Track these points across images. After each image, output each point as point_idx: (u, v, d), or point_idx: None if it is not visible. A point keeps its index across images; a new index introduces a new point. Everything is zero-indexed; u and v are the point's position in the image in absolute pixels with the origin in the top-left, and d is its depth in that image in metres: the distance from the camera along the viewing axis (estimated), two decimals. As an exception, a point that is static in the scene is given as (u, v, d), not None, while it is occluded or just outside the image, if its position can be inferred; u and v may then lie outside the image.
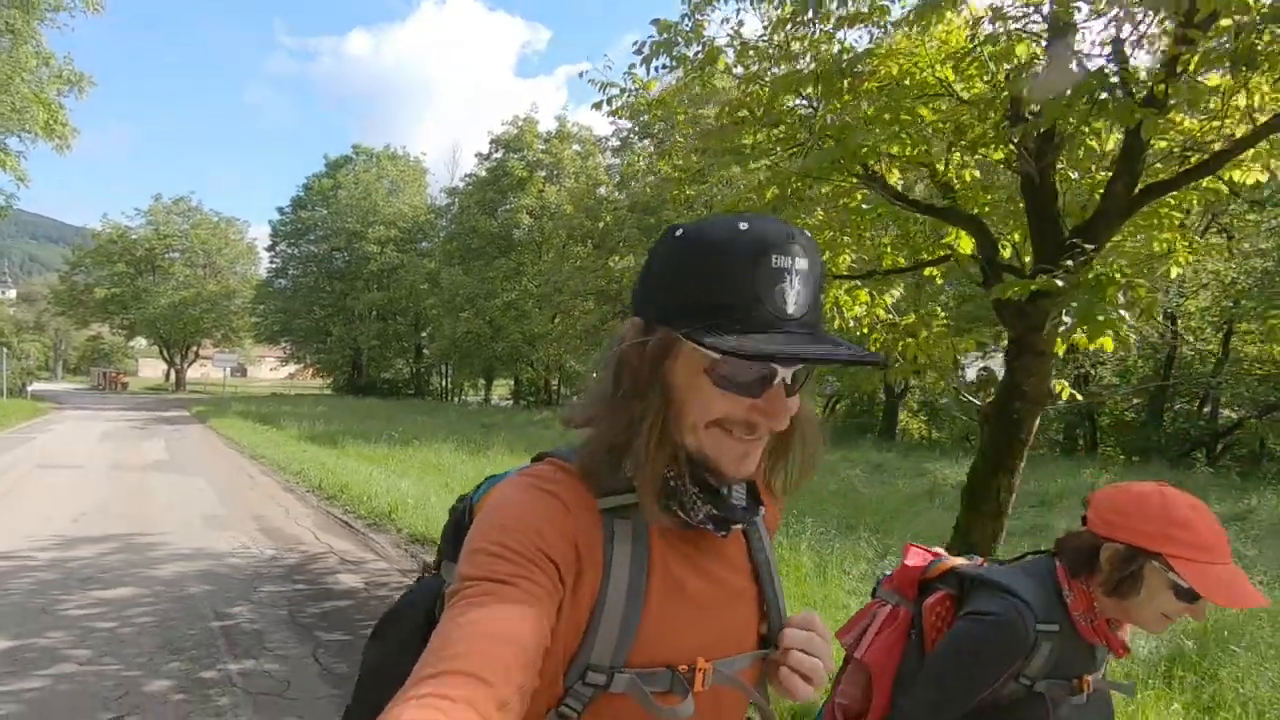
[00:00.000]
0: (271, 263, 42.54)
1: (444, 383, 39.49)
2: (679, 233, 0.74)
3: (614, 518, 0.75)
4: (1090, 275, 2.89)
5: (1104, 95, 3.15)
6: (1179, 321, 17.49)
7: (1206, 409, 18.12)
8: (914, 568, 1.43)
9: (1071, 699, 1.28)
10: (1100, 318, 2.80)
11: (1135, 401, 19.09)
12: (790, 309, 0.70)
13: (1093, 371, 18.22)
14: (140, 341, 54.60)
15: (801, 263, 0.71)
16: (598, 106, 5.26)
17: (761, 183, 4.10)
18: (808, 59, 4.21)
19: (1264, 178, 3.91)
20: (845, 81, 3.85)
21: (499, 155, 32.99)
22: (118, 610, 4.66)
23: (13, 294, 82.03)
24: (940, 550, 1.47)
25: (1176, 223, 4.31)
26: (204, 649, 4.04)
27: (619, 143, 28.67)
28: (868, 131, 3.57)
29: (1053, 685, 1.26)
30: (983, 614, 1.25)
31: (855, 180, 4.10)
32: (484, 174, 33.23)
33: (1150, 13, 3.09)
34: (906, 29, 3.54)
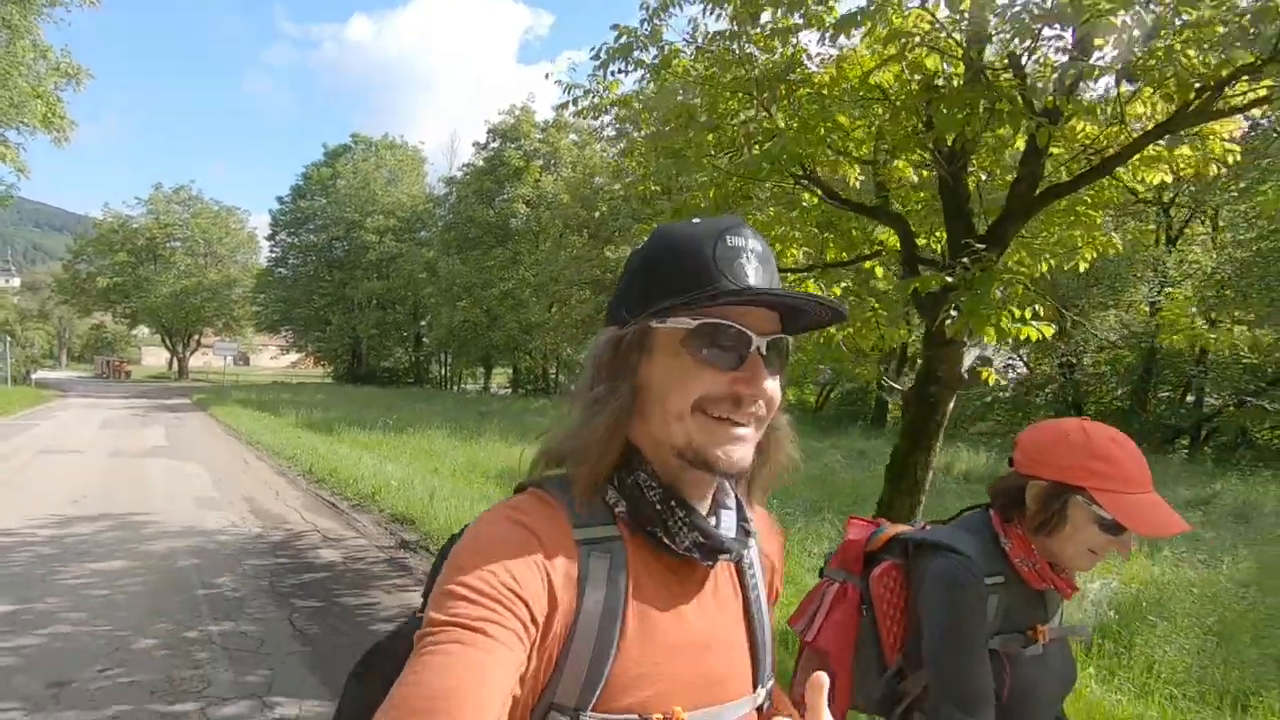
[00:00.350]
0: (272, 252, 42.93)
1: (443, 371, 39.85)
2: (640, 246, 0.80)
3: (592, 550, 0.73)
4: (977, 272, 3.18)
5: (1002, 105, 3.44)
6: (1161, 311, 17.79)
7: (1190, 398, 18.41)
8: (856, 541, 1.39)
9: (1027, 651, 1.24)
10: (984, 311, 3.10)
11: (1123, 390, 19.38)
12: (752, 281, 0.73)
13: (1074, 360, 18.53)
14: (143, 330, 55.06)
15: (755, 244, 0.75)
16: (563, 107, 5.54)
17: (705, 182, 4.39)
18: (756, 64, 4.49)
19: (1169, 179, 4.21)
20: (782, 87, 4.14)
21: (496, 145, 33.14)
22: (111, 580, 5.02)
23: (17, 282, 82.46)
24: (882, 520, 1.44)
25: (1098, 220, 4.61)
26: (188, 613, 4.40)
27: (614, 132, 28.76)
28: (792, 137, 3.86)
29: (1006, 640, 1.22)
30: (936, 579, 1.23)
31: (792, 181, 4.38)
32: (481, 163, 33.41)
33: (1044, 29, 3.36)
34: (830, 39, 3.81)
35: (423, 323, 37.83)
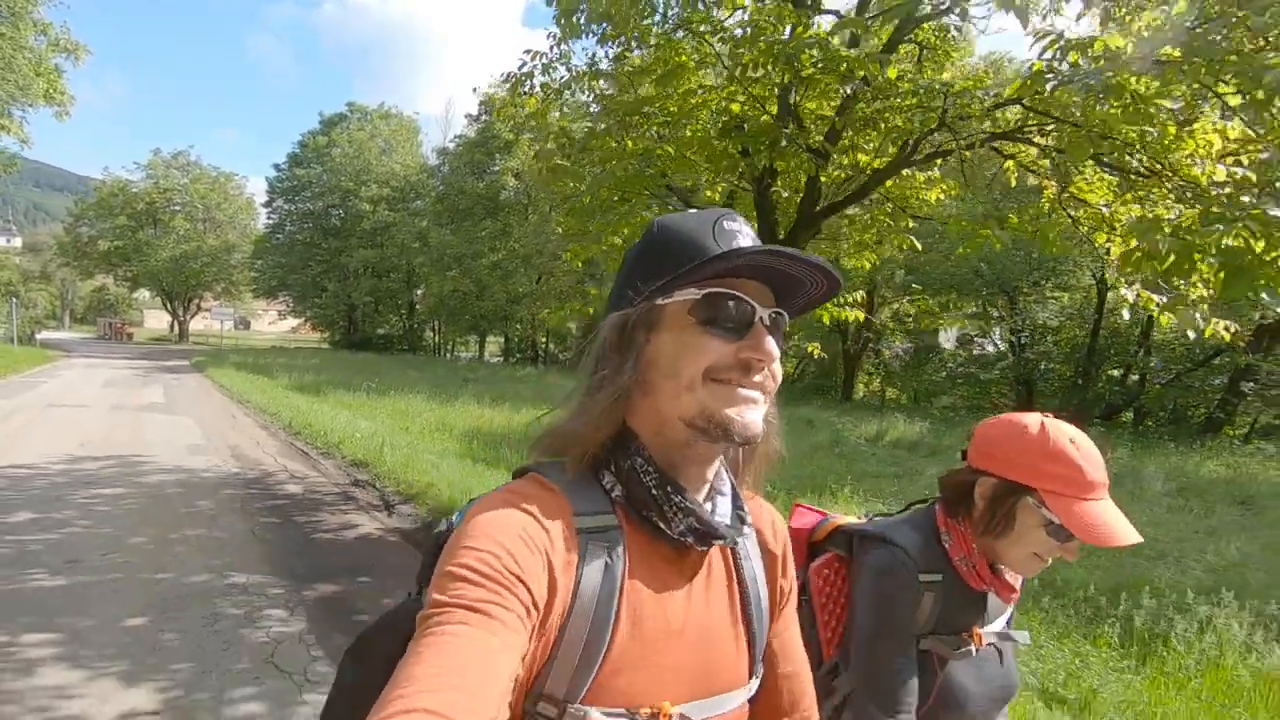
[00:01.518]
0: (269, 218, 43.76)
1: (436, 339, 40.89)
2: (640, 238, 0.83)
3: (590, 538, 0.73)
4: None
5: (786, 145, 4.53)
6: (1109, 294, 18.88)
7: (1135, 376, 19.56)
8: (800, 529, 1.36)
9: (959, 653, 1.20)
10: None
11: (1072, 368, 20.52)
12: None
13: (1013, 339, 19.69)
14: (144, 293, 56.15)
15: (747, 227, 0.79)
16: (487, 115, 6.61)
17: (583, 190, 5.49)
18: (624, 98, 5.55)
19: (944, 197, 5.33)
20: (638, 117, 5.22)
21: (487, 117, 33.69)
22: (112, 501, 6.24)
23: (19, 242, 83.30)
24: (827, 511, 1.41)
25: (904, 225, 5.72)
26: (171, 523, 5.63)
27: (598, 108, 29.35)
28: (640, 158, 4.95)
29: (939, 641, 1.19)
30: (870, 568, 1.20)
31: (652, 192, 5.48)
32: (473, 135, 34.01)
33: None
34: (660, 85, 4.88)
35: (416, 291, 38.69)
